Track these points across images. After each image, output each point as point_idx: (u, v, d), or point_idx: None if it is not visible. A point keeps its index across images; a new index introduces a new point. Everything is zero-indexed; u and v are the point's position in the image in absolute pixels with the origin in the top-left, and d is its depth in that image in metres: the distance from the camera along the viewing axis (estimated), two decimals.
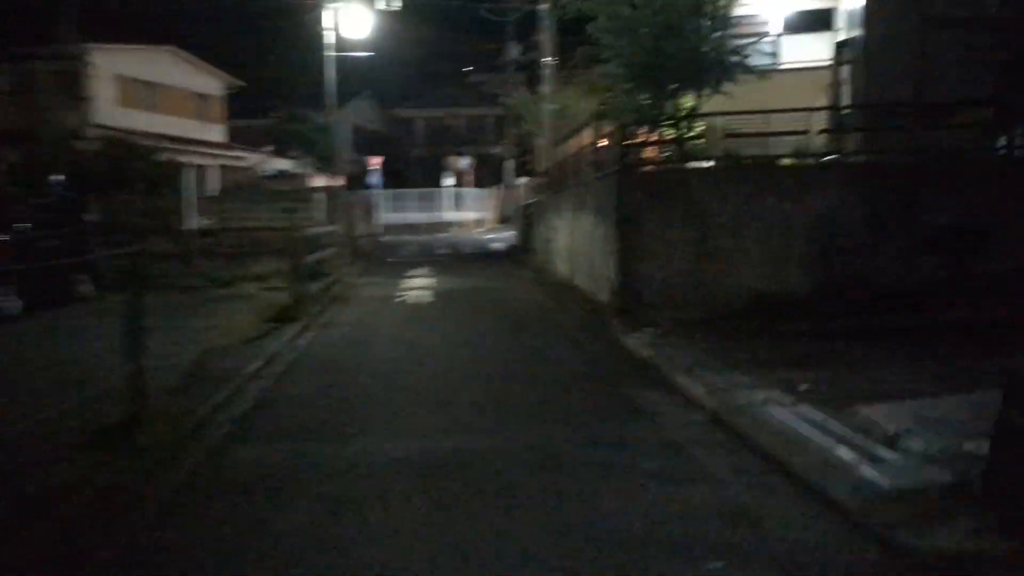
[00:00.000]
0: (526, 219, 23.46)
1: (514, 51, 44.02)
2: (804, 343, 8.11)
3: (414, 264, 21.49)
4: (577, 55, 21.04)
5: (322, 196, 21.21)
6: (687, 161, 11.32)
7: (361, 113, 55.30)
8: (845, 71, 14.32)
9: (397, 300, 14.07)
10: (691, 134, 11.43)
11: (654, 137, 11.74)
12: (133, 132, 26.37)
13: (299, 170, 34.23)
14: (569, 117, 19.84)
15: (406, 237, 35.58)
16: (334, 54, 29.28)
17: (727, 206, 10.10)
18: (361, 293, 15.23)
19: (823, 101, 14.17)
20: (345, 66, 62.53)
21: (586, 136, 16.25)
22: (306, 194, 21.95)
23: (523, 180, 24.23)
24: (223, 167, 31.09)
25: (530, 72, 27.30)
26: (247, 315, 11.22)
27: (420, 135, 56.89)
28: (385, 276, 18.56)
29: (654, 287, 10.36)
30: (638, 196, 10.52)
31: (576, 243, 14.34)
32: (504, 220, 43.69)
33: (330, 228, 16.87)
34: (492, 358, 8.97)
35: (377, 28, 59.51)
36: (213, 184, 30.05)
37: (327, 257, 16.05)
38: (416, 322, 11.72)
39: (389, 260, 23.43)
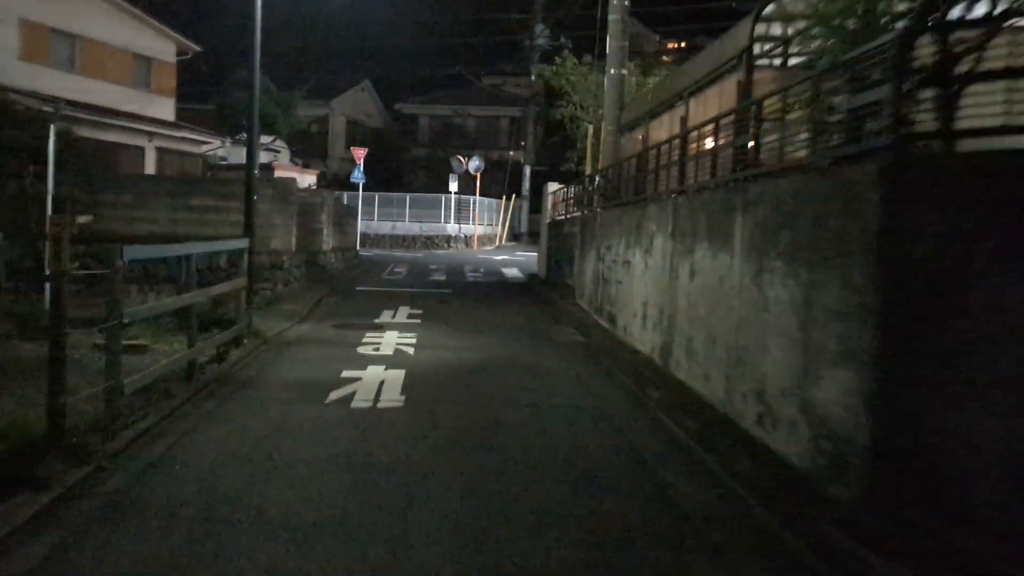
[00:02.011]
0: (558, 241, 16.58)
1: (541, 32, 37.40)
2: None
3: (395, 298, 14.55)
4: None
5: (268, 193, 14.20)
6: None
7: (358, 106, 48.64)
8: None
9: (330, 404, 6.95)
10: None
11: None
12: (35, 95, 19.52)
13: (268, 160, 27.32)
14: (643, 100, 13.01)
15: (397, 253, 28.58)
16: None
17: None
18: (268, 376, 7.87)
19: None
20: (339, 49, 56.03)
21: (716, 98, 9.35)
22: (238, 190, 14.67)
23: (553, 188, 17.13)
24: (162, 150, 24.17)
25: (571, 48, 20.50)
26: None
27: (424, 134, 50.11)
28: (341, 325, 11.54)
29: (989, 480, 3.55)
30: (951, 219, 3.69)
31: (690, 302, 7.38)
32: (516, 237, 36.72)
33: (235, 244, 9.82)
34: None
35: (379, 7, 52.86)
36: (149, 170, 23.20)
37: (229, 291, 9.06)
38: (333, 517, 4.70)
39: (361, 289, 16.45)
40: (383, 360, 8.72)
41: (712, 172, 7.38)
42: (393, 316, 12.43)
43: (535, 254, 29.82)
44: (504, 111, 49.26)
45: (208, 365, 7.79)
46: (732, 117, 7.00)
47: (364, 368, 8.21)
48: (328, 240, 18.68)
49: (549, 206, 18.34)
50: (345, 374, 7.88)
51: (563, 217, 16.14)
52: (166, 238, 12.33)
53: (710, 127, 7.63)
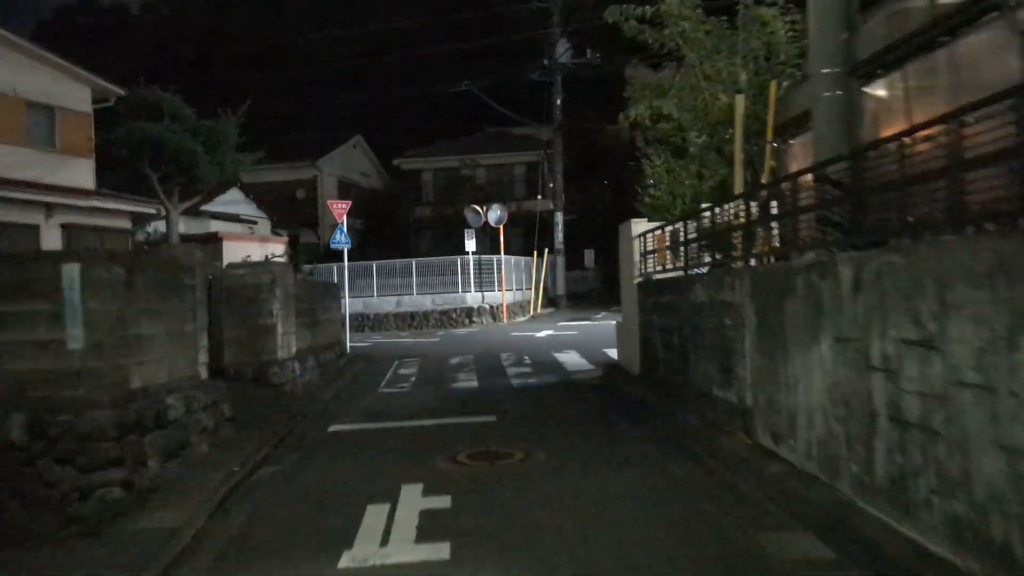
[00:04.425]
0: (667, 315, 9.57)
1: (564, 50, 31.05)
2: None
3: (395, 453, 7.56)
4: None
5: (120, 276, 7.08)
6: None
7: (350, 165, 42.43)
8: None
9: None
10: None
11: None
12: None
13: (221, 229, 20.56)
14: None
15: (404, 340, 21.54)
16: None
17: None
18: None
19: None
20: (324, 104, 49.96)
21: None
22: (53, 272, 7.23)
23: (639, 228, 10.07)
24: (71, 227, 17.48)
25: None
26: None
27: (429, 191, 43.77)
28: None
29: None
30: None
31: None
32: (552, 302, 29.71)
33: None
34: None
35: (370, 59, 47.09)
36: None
37: None
38: None
39: (338, 430, 9.36)
40: None
41: None
42: (388, 521, 5.44)
43: (588, 324, 22.75)
44: (518, 157, 42.99)
45: None
46: None
47: None
48: (287, 341, 11.69)
49: (637, 257, 11.33)
50: None
51: (680, 274, 9.13)
52: None
53: None
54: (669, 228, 9.84)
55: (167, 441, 6.93)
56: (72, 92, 19.04)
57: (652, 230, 10.62)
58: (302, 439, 8.75)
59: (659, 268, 10.36)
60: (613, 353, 14.79)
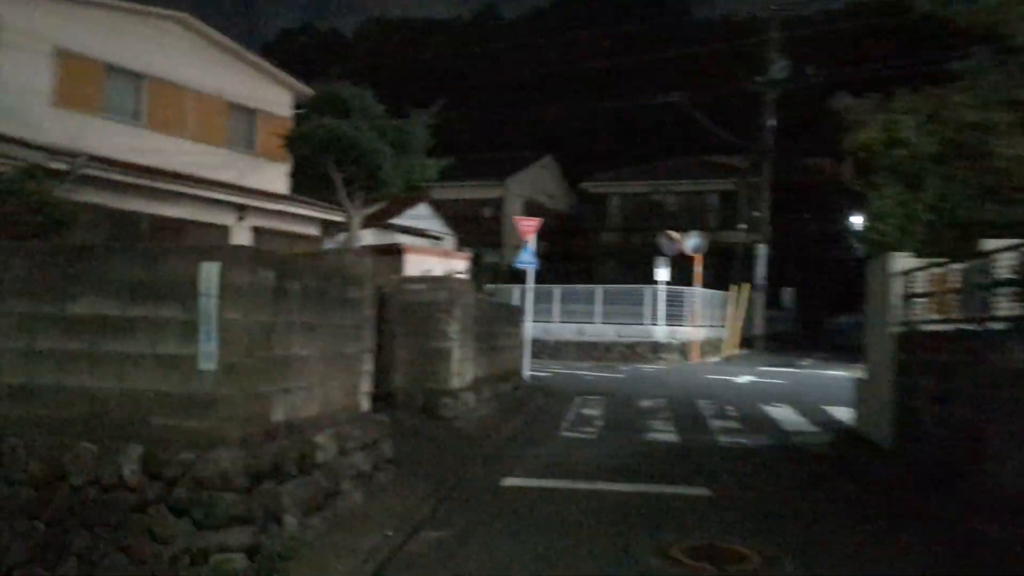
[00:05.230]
0: (938, 377, 7.25)
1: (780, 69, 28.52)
2: None
3: (581, 531, 5.82)
4: None
5: (267, 281, 5.79)
6: None
7: (538, 186, 41.56)
8: None
9: None
10: None
11: None
12: (72, 154, 13.20)
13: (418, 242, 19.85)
14: None
15: (585, 373, 19.87)
16: None
17: None
18: None
19: None
20: (513, 121, 49.48)
21: None
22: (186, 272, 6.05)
23: (906, 263, 7.74)
24: (260, 231, 17.25)
25: None
26: None
27: (615, 217, 42.15)
28: None
29: None
30: None
31: None
32: (748, 342, 27.01)
33: None
34: None
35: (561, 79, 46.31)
36: None
37: None
38: None
39: (511, 484, 7.73)
40: None
41: None
42: None
43: (794, 372, 20.08)
44: (712, 184, 40.42)
45: None
46: None
47: None
48: (463, 368, 10.30)
49: (896, 300, 8.97)
50: None
51: (977, 327, 6.80)
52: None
53: None
54: (960, 266, 7.49)
55: (311, 490, 5.57)
56: (273, 96, 19.01)
57: (927, 267, 8.25)
58: (472, 494, 7.19)
59: (936, 318, 7.98)
60: (839, 413, 12.34)
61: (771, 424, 11.92)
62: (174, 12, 16.65)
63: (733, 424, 11.78)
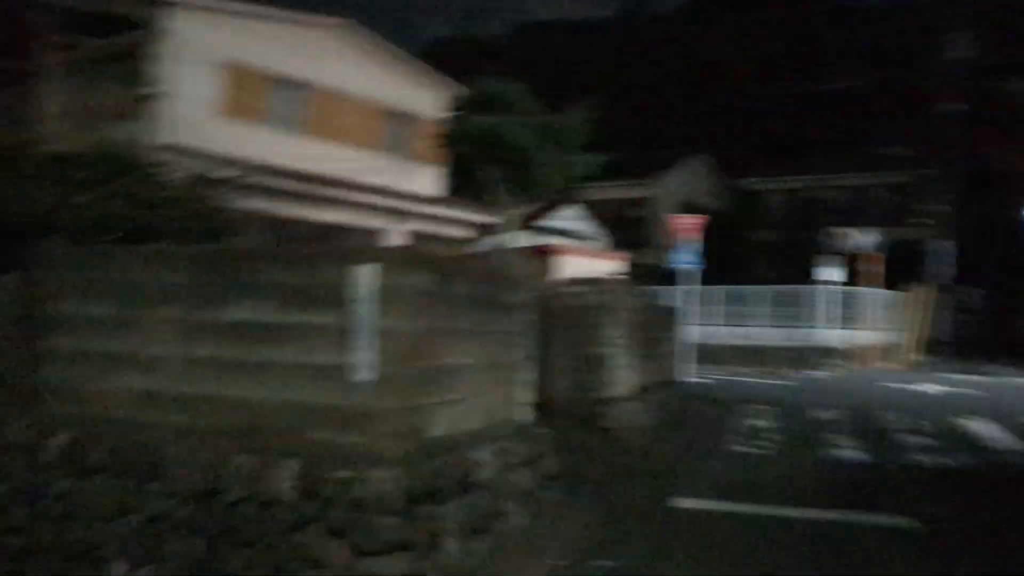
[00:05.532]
0: None
1: None
2: None
3: None
4: None
5: (423, 284, 5.30)
6: None
7: (690, 183, 40.20)
8: None
9: None
10: None
11: None
12: (237, 162, 13.71)
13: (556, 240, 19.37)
14: None
15: (747, 379, 18.69)
16: None
17: None
18: None
19: None
20: (661, 116, 48.10)
21: None
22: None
23: None
24: (417, 235, 17.32)
25: None
26: None
27: (772, 214, 40.13)
28: None
29: None
30: None
31: None
32: (930, 348, 24.73)
33: None
34: None
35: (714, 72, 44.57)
36: None
37: None
38: None
39: (682, 507, 7.00)
40: None
41: None
42: None
43: (990, 381, 18.08)
44: (881, 177, 37.66)
45: None
46: None
47: None
48: (624, 376, 9.68)
49: None
50: None
51: None
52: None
53: None
54: None
55: (473, 512, 5.13)
56: (428, 99, 19.09)
57: None
58: (643, 516, 6.56)
59: None
60: None
61: (973, 441, 10.52)
62: (338, 20, 16.98)
63: (928, 440, 10.47)
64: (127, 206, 9.76)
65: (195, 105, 14.65)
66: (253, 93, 15.64)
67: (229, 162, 13.65)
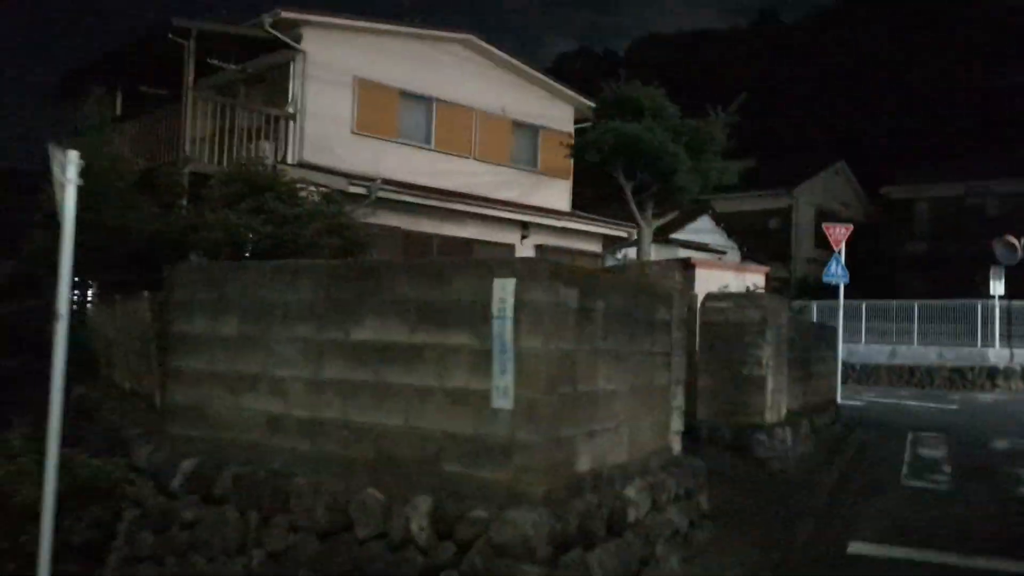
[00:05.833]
0: None
1: None
2: None
3: None
4: None
5: (566, 303, 4.77)
6: None
7: (830, 194, 38.17)
8: None
9: None
10: None
11: None
12: (369, 179, 13.80)
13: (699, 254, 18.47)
14: None
15: (906, 402, 17.12)
16: None
17: None
18: None
19: None
20: (805, 126, 45.75)
21: None
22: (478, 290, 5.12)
23: None
24: (542, 249, 16.88)
25: None
26: None
27: (921, 224, 37.41)
28: None
29: None
30: None
31: None
32: None
33: None
34: None
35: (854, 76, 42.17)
36: None
37: None
38: None
39: (861, 552, 6.12)
40: None
41: None
42: None
43: None
44: None
45: None
46: None
47: None
48: (777, 400, 8.82)
49: None
50: None
51: None
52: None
53: None
54: None
55: (623, 557, 4.52)
56: (555, 112, 18.67)
57: None
58: (812, 564, 5.76)
59: None
60: None
61: None
62: (463, 34, 16.85)
63: None
64: (263, 222, 9.79)
65: (327, 123, 14.77)
66: (383, 109, 15.65)
67: (361, 178, 13.64)
